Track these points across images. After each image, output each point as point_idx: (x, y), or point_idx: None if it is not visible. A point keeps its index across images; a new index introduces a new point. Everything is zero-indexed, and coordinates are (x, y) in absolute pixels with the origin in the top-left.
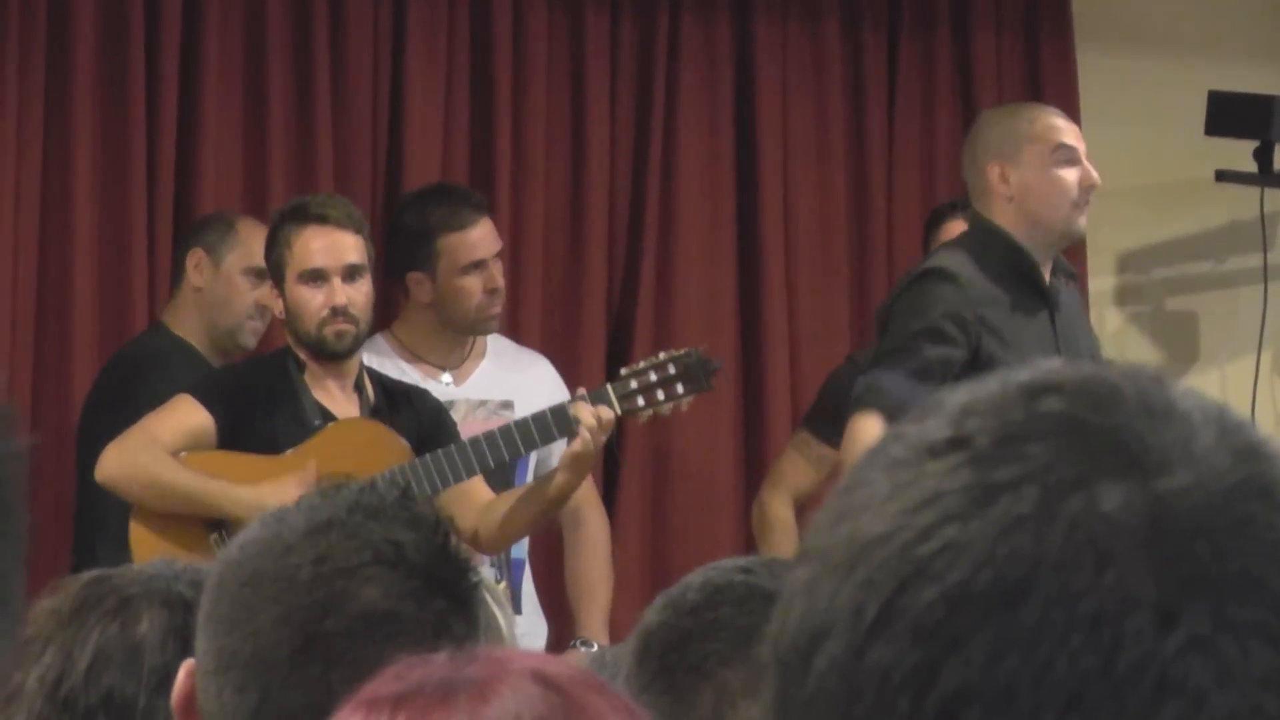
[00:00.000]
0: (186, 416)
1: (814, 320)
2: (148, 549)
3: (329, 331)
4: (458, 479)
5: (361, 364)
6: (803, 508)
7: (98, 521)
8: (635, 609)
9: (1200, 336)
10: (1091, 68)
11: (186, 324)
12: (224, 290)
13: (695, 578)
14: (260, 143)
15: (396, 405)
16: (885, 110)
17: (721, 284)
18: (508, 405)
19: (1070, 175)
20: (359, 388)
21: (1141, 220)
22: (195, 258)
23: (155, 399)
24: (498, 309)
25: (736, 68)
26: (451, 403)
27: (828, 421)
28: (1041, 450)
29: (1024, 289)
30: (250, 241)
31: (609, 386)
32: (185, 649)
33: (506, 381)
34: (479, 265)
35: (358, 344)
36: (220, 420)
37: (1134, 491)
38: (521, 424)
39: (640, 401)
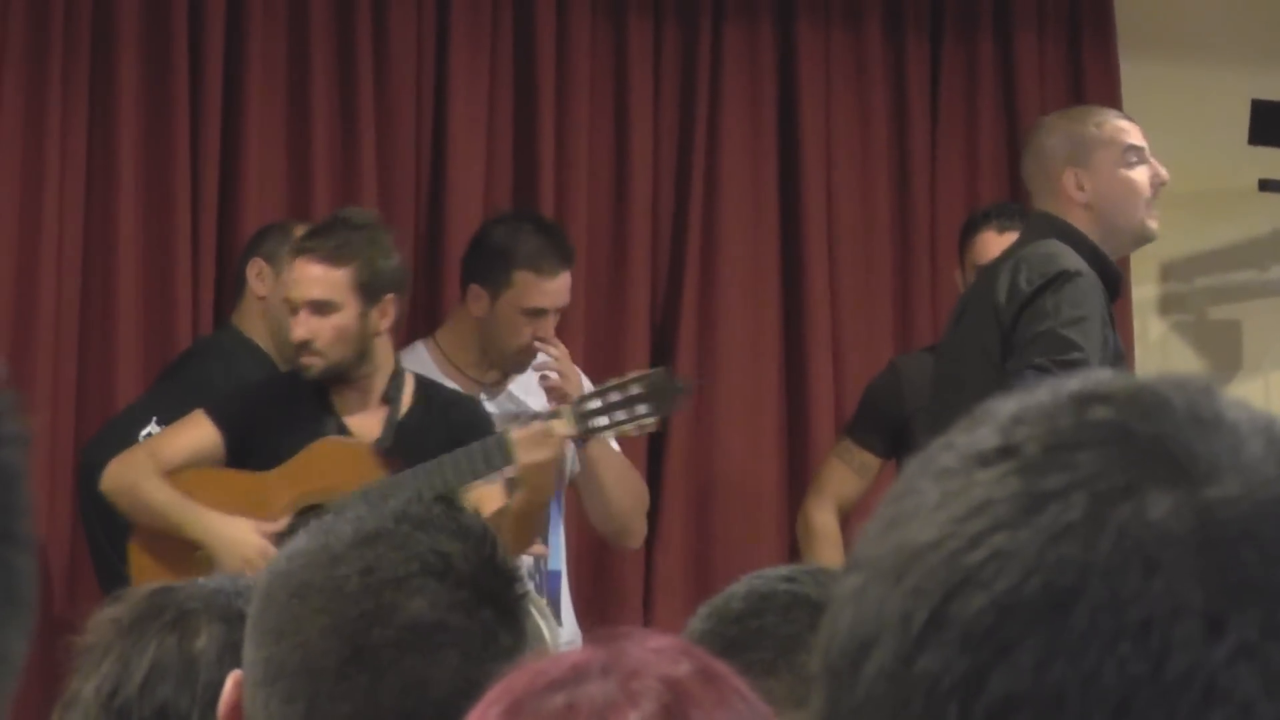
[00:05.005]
0: (194, 433)
1: (857, 326)
2: (142, 562)
3: (300, 361)
4: None
5: (397, 374)
6: (847, 516)
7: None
8: (679, 615)
9: (1243, 345)
10: (1134, 75)
11: (254, 332)
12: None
13: (740, 586)
14: (304, 153)
15: (429, 415)
16: (928, 116)
17: (765, 290)
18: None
19: (1141, 175)
20: (391, 399)
21: (1185, 229)
22: (256, 267)
23: (211, 384)
24: (534, 358)
25: (779, 73)
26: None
27: (870, 429)
28: (1090, 459)
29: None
30: None
31: (568, 407)
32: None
33: (541, 392)
34: (540, 313)
35: (330, 374)
36: (230, 436)
37: (1182, 499)
38: (461, 454)
39: (603, 421)
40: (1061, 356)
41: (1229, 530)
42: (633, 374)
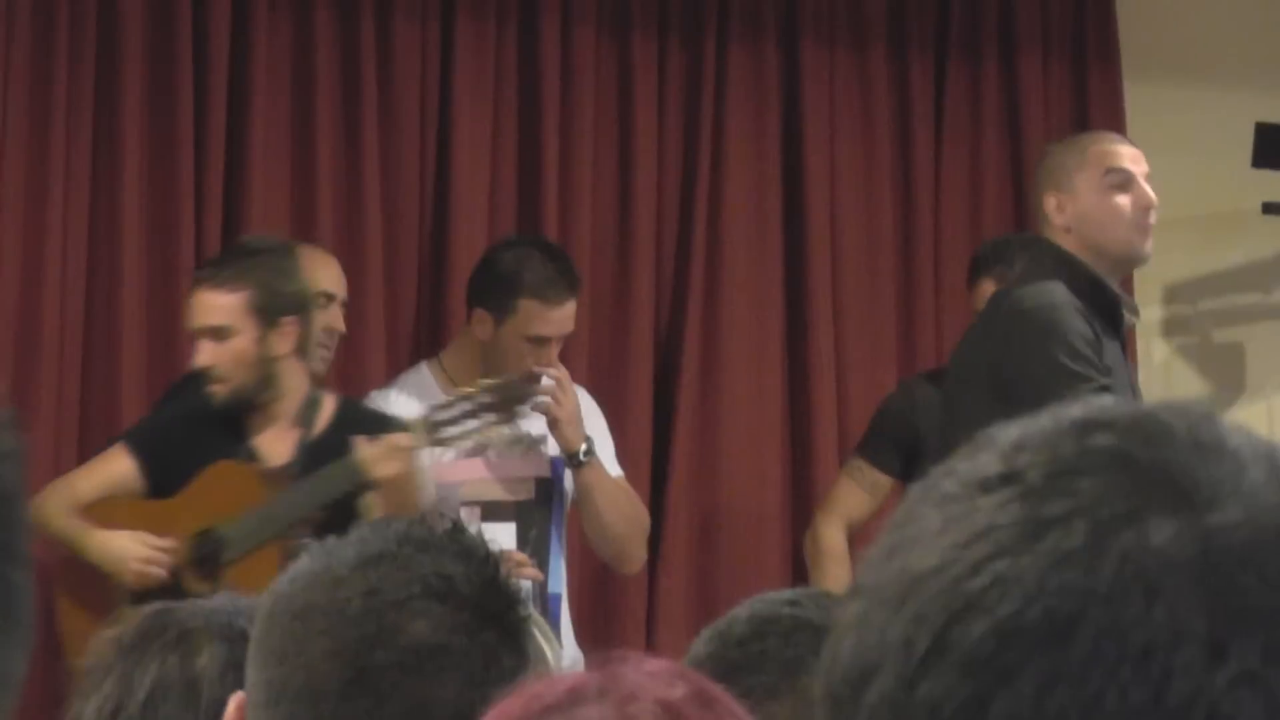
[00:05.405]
0: (110, 466)
1: (861, 347)
2: (63, 599)
3: (207, 389)
4: (264, 540)
5: (312, 398)
6: (856, 535)
7: None
8: (682, 638)
9: (1247, 368)
10: (1139, 97)
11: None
12: None
13: (743, 610)
14: (308, 174)
15: (343, 437)
16: (932, 136)
17: (768, 310)
18: (543, 439)
19: (1123, 199)
20: (304, 422)
21: (1188, 252)
22: None
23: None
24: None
25: (783, 93)
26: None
27: (882, 448)
28: (1092, 485)
29: (1102, 320)
30: (312, 268)
31: (419, 419)
32: (244, 683)
33: (543, 417)
34: (543, 341)
35: (237, 399)
36: (146, 465)
37: (1184, 526)
38: (321, 474)
39: (453, 430)
40: (1081, 393)
41: (1230, 556)
42: (485, 381)
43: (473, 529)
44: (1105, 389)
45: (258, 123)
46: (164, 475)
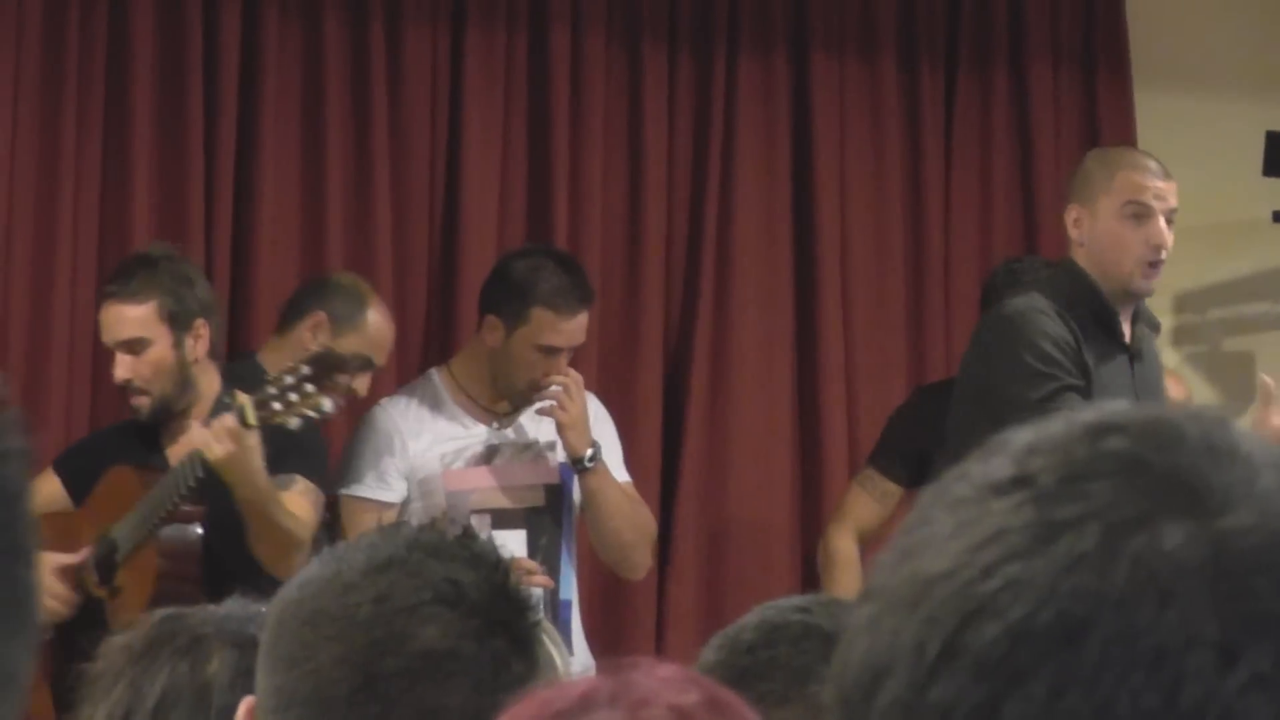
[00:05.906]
0: (38, 487)
1: (870, 357)
2: None
3: (130, 404)
4: (142, 538)
5: (223, 399)
6: (868, 544)
7: None
8: (691, 645)
9: (1257, 377)
10: (1149, 107)
11: (276, 370)
12: None
13: (752, 617)
14: (318, 185)
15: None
16: (942, 147)
17: (778, 321)
18: (552, 446)
19: (1136, 233)
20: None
21: (1198, 261)
22: (316, 319)
23: None
24: (542, 392)
25: (793, 104)
26: (497, 446)
27: (892, 458)
28: (1104, 489)
29: (1103, 333)
30: (373, 330)
31: (248, 398)
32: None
33: (551, 422)
34: (554, 351)
35: (160, 409)
36: (71, 483)
37: (1196, 530)
38: (172, 470)
39: (278, 406)
40: (1042, 391)
41: (1243, 561)
42: (303, 356)
43: (483, 536)
44: (1072, 389)
45: (268, 130)
46: (84, 491)
